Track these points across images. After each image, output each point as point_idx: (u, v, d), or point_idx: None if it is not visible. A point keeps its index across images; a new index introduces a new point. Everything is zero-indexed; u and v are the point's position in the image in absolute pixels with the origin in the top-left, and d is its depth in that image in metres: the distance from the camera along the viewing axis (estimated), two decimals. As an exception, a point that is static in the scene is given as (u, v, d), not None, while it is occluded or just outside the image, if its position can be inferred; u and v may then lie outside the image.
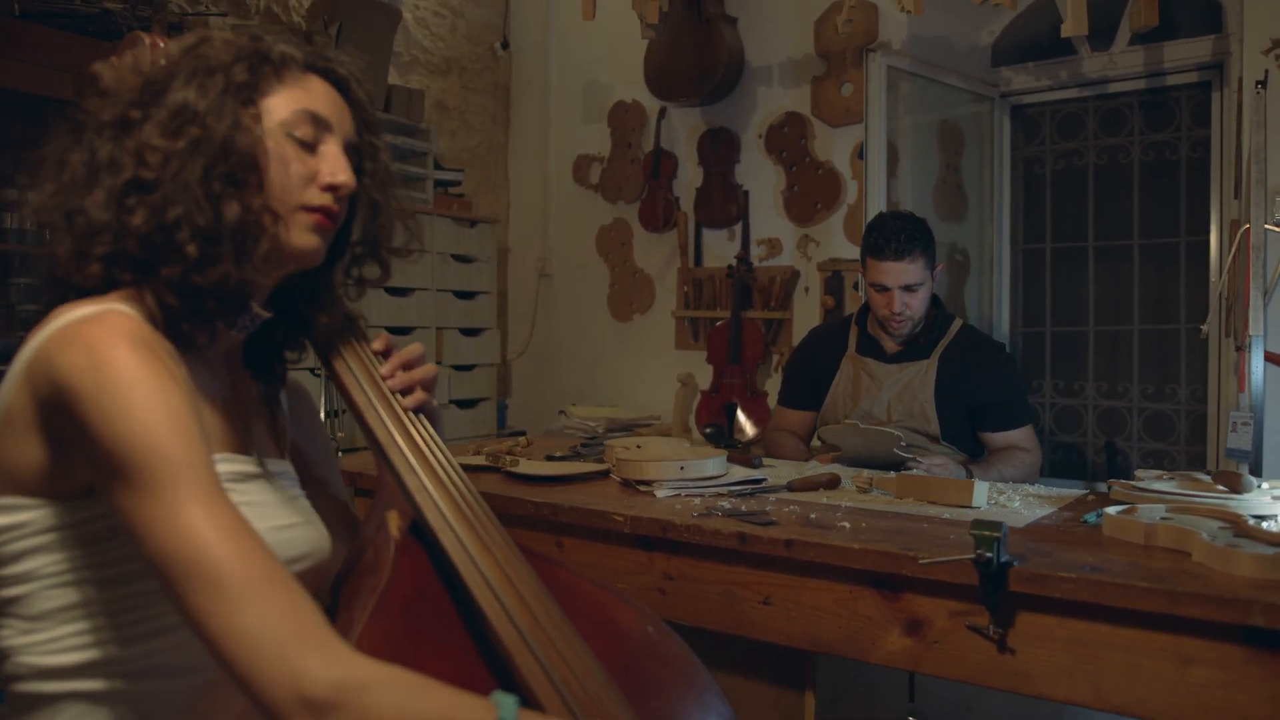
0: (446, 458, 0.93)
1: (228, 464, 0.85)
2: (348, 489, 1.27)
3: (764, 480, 1.88)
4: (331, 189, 0.89)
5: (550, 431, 3.99)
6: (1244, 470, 2.68)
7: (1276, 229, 2.58)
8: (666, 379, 4.15)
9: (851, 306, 3.55)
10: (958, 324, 2.55)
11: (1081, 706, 1.27)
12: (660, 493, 1.78)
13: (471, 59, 4.55)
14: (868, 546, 1.40)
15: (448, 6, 4.43)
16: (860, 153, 3.30)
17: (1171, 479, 1.73)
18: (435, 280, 3.68)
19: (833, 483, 1.89)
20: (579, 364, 4.52)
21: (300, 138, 0.89)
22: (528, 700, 0.77)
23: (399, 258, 0.99)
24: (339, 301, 0.96)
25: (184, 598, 0.72)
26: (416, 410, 0.97)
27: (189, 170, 0.83)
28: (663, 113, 4.13)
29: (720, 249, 4.07)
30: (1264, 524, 1.40)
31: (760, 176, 3.96)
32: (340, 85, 0.94)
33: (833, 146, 3.77)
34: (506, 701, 0.73)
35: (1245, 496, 1.58)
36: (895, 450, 2.16)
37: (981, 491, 1.71)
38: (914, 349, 2.50)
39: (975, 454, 2.45)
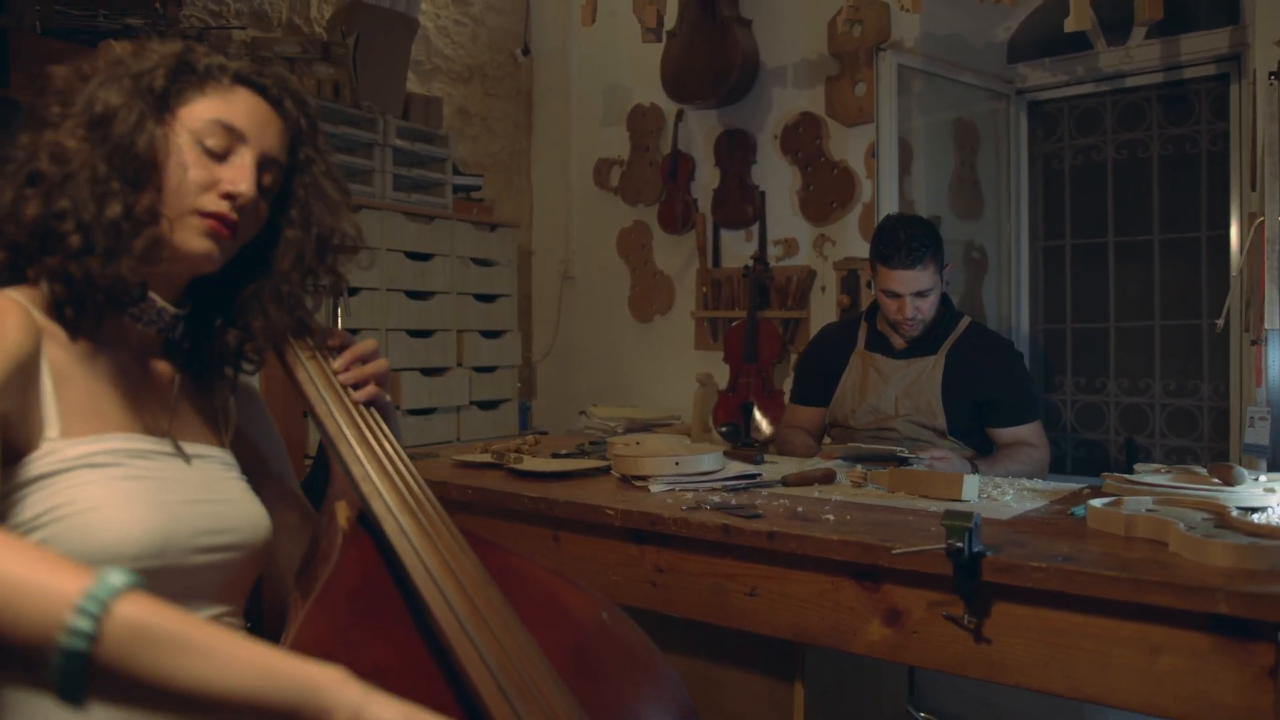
0: (395, 450, 0.95)
1: (124, 442, 0.90)
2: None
3: (759, 475, 1.89)
4: (229, 197, 0.93)
5: (571, 432, 4.03)
6: (1262, 466, 2.65)
7: (1292, 222, 2.54)
8: (686, 379, 4.17)
9: (867, 305, 3.55)
10: (965, 320, 2.55)
11: (1056, 695, 1.28)
12: (655, 487, 1.80)
13: (493, 66, 4.62)
14: (847, 538, 1.42)
15: (469, 15, 4.50)
16: (874, 152, 3.30)
17: (1168, 472, 1.73)
18: (455, 284, 3.73)
19: (828, 478, 1.90)
20: (601, 365, 4.56)
21: (210, 147, 0.93)
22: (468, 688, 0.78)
23: (346, 256, 1.03)
24: (284, 304, 0.99)
25: None
26: (368, 404, 1.00)
27: (88, 167, 0.88)
28: (680, 115, 4.16)
29: (738, 249, 4.09)
30: (1252, 516, 1.40)
31: (776, 177, 3.98)
32: (273, 101, 0.98)
33: (847, 146, 3.77)
34: (111, 578, 0.67)
35: (1236, 489, 1.57)
36: (897, 455, 2.16)
37: (972, 485, 1.71)
38: (921, 344, 2.51)
39: (983, 449, 2.45)
